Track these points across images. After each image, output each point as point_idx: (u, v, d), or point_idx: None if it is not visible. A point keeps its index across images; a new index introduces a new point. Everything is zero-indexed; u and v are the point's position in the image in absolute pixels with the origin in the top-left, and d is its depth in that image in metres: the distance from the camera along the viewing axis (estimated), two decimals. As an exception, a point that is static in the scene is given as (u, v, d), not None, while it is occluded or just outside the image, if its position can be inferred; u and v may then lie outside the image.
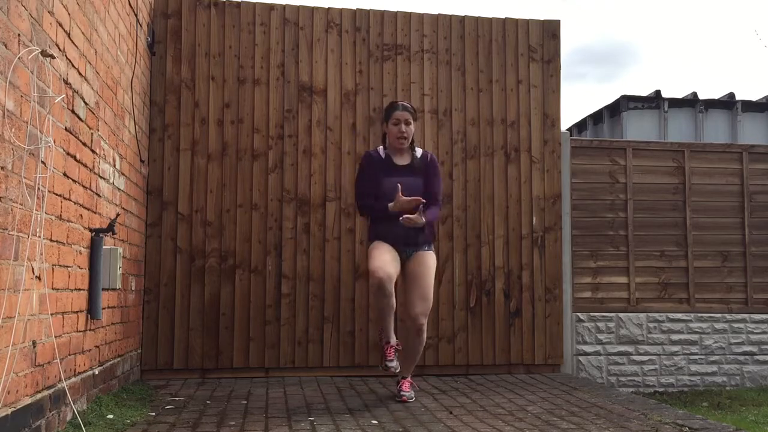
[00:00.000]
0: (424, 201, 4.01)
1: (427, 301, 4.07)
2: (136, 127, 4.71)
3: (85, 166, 3.52)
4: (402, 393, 4.11)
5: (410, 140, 4.19)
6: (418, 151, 4.27)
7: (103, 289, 3.68)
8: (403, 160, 4.21)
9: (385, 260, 3.97)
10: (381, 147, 4.31)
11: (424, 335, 4.13)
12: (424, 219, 4.01)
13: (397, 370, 4.08)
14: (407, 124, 4.13)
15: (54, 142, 3.00)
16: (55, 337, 3.04)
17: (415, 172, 4.15)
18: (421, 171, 4.17)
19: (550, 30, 5.75)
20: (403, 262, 4.14)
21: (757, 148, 6.45)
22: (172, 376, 5.03)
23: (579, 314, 5.93)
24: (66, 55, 3.20)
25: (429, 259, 4.14)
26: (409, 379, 4.22)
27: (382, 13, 5.56)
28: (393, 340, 4.07)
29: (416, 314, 4.04)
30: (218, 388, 4.64)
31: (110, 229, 3.74)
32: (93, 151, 3.66)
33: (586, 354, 5.92)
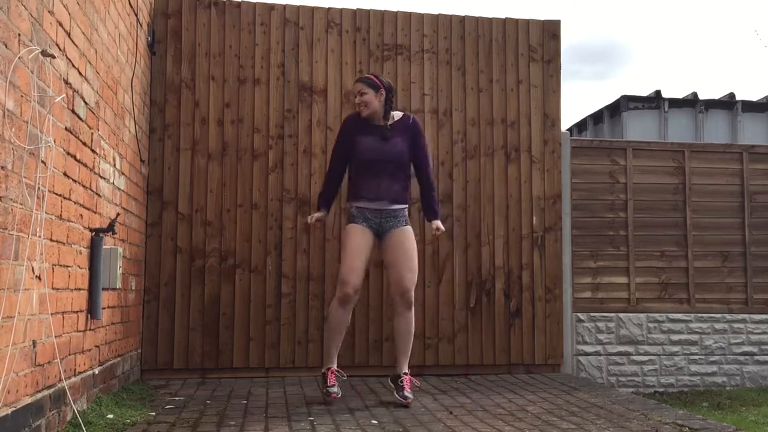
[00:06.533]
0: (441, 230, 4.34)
1: (414, 273, 4.17)
2: (136, 126, 4.71)
3: (86, 165, 3.52)
4: (405, 394, 4.04)
5: (373, 109, 4.22)
6: (397, 114, 4.31)
7: (103, 289, 3.68)
8: (379, 122, 4.25)
9: (357, 266, 4.07)
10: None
11: (413, 313, 4.17)
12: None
13: (339, 395, 4.05)
14: (362, 94, 4.21)
15: (54, 141, 3.00)
16: (55, 336, 3.04)
17: (393, 134, 4.20)
18: (402, 133, 4.23)
19: (550, 30, 5.75)
20: (381, 236, 4.20)
21: (757, 148, 6.45)
22: (172, 376, 5.03)
23: (579, 314, 5.93)
24: (66, 55, 3.20)
25: (410, 234, 4.22)
26: (409, 375, 4.16)
27: (383, 13, 5.56)
28: (335, 364, 4.18)
29: (407, 286, 4.12)
30: (218, 388, 4.64)
31: (110, 228, 3.73)
32: (93, 151, 3.66)
33: (586, 354, 5.92)
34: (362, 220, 4.17)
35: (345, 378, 4.25)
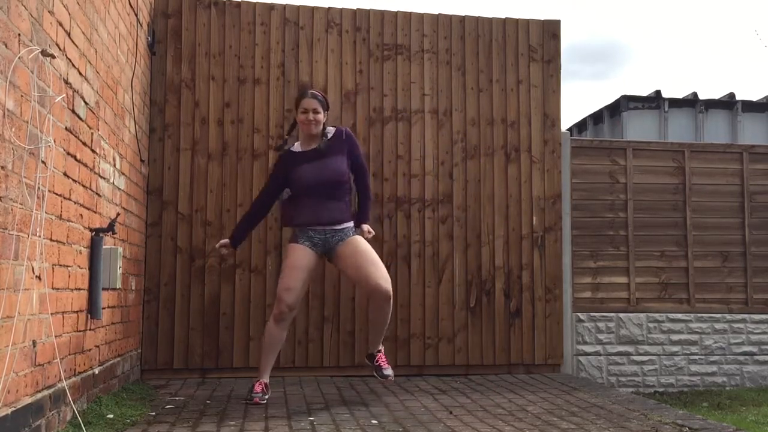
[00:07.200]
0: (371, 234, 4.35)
1: (380, 267, 4.07)
2: (137, 126, 4.71)
3: (86, 165, 3.52)
4: (385, 372, 4.11)
5: (321, 127, 4.20)
6: (330, 130, 4.26)
7: (103, 289, 3.68)
8: (309, 147, 4.22)
9: (293, 285, 4.04)
10: (297, 142, 4.35)
11: (391, 305, 4.11)
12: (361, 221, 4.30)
13: (263, 402, 4.03)
14: (315, 112, 4.16)
15: (54, 141, 3.00)
16: (55, 336, 3.04)
17: (325, 153, 4.15)
18: (339, 150, 4.18)
19: (551, 30, 5.75)
20: (330, 254, 4.18)
21: (757, 148, 6.45)
22: (172, 376, 5.03)
23: (579, 314, 5.93)
24: (66, 55, 3.20)
25: (362, 240, 4.18)
26: (381, 352, 4.24)
27: (383, 13, 5.56)
28: (266, 379, 4.18)
29: (377, 280, 4.02)
30: (218, 388, 4.65)
31: (110, 228, 3.73)
32: (93, 151, 3.66)
33: (586, 354, 5.92)
34: (305, 240, 4.12)
35: (268, 396, 4.14)
